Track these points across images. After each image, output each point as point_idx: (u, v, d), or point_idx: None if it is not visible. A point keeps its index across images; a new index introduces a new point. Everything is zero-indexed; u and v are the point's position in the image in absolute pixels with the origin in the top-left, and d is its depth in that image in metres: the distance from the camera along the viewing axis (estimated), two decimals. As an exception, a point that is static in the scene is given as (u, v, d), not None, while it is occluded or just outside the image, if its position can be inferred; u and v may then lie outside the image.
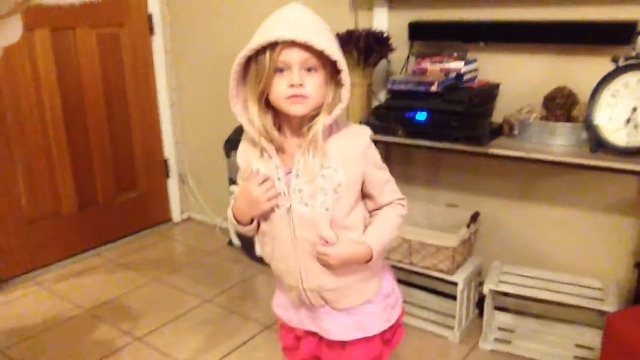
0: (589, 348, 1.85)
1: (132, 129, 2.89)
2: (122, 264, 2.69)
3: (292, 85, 1.03)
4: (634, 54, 1.57)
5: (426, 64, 1.90)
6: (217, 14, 2.70)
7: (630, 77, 1.56)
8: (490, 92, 1.89)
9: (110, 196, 2.84)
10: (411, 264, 1.99)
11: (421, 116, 1.80)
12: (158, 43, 2.90)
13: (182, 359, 1.93)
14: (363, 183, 1.14)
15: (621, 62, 1.58)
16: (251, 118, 1.08)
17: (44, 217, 2.58)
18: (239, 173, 1.21)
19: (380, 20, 2.11)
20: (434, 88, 1.76)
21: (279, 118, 1.11)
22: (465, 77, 1.85)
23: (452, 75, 1.83)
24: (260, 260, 2.57)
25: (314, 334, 1.26)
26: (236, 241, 2.76)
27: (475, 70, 1.91)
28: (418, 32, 2.01)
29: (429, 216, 2.14)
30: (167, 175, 3.11)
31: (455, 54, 1.88)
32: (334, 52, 1.02)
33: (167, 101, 2.99)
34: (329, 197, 1.09)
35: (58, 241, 2.65)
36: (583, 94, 1.70)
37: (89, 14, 2.53)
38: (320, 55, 1.02)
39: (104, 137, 2.75)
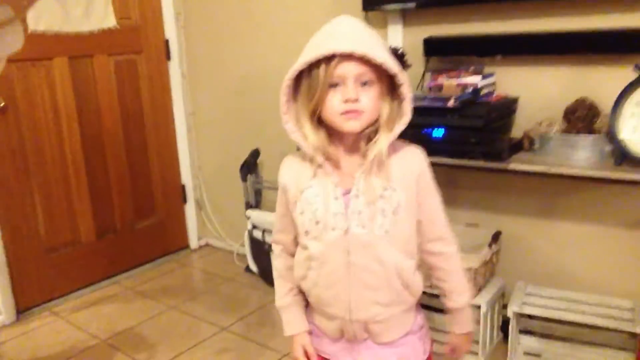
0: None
1: (149, 155, 2.90)
2: (140, 291, 2.66)
3: (347, 101, 0.98)
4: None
5: (442, 80, 1.87)
6: (232, 38, 2.72)
7: (656, 86, 1.50)
8: (508, 106, 1.84)
9: (128, 223, 2.84)
10: (431, 286, 1.92)
11: (438, 133, 1.76)
12: (174, 68, 2.92)
13: (198, 388, 1.88)
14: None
15: (644, 71, 1.53)
16: (305, 134, 1.04)
17: (62, 246, 2.58)
18: (284, 195, 1.13)
19: (395, 37, 2.10)
20: (450, 103, 1.72)
21: (332, 136, 1.06)
22: (483, 92, 1.81)
23: (469, 90, 1.80)
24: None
25: None
26: (254, 267, 2.72)
27: (493, 84, 1.88)
28: (433, 47, 1.98)
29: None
30: (184, 201, 3.10)
31: (471, 69, 1.85)
32: (393, 65, 0.98)
33: (184, 126, 3.00)
34: (387, 220, 1.04)
35: (76, 270, 2.64)
36: (605, 105, 1.65)
37: (107, 41, 2.57)
38: (376, 69, 0.98)
39: (121, 163, 2.77)
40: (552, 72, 1.82)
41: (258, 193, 2.59)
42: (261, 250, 2.56)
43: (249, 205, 2.58)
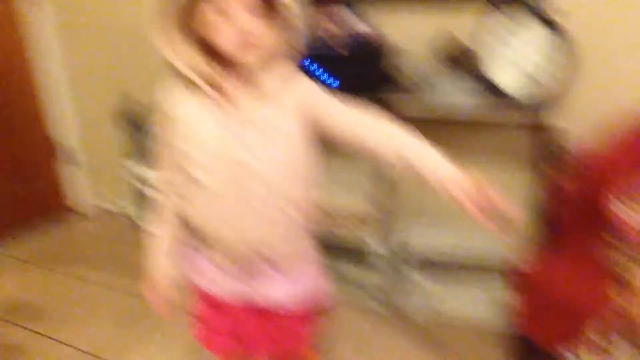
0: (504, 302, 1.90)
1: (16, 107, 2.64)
2: (23, 260, 2.50)
3: (240, 32, 0.96)
4: None
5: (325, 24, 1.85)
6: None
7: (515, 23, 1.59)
8: (376, 40, 1.84)
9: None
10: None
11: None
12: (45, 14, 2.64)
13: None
14: (321, 127, 1.07)
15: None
16: (192, 63, 1.00)
17: None
18: (172, 127, 1.06)
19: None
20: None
21: (226, 70, 1.02)
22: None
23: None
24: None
25: (248, 309, 1.21)
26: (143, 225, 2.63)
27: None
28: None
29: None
30: (66, 162, 2.90)
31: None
32: None
33: (53, 77, 2.75)
34: (281, 151, 1.04)
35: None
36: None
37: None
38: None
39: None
40: (423, 16, 1.87)
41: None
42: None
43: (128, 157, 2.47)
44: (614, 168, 1.42)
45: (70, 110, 2.85)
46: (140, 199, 2.52)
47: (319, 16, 1.89)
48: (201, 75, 1.00)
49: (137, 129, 2.44)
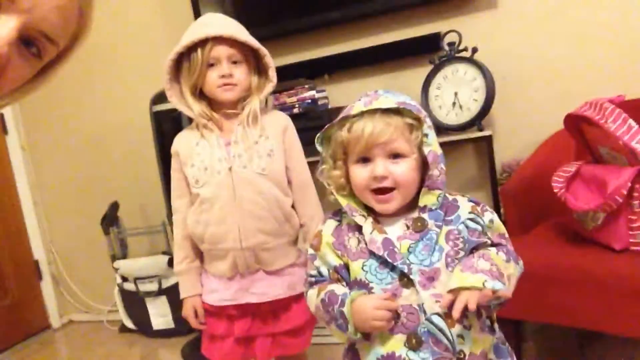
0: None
1: (-6, 233, 2.71)
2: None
3: (223, 76, 1.24)
4: (444, 53, 1.96)
5: (284, 98, 2.14)
6: (71, 101, 2.74)
7: (446, 71, 1.94)
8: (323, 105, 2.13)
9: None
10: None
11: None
12: (13, 142, 2.83)
13: None
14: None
15: (437, 62, 1.96)
16: (189, 106, 1.28)
17: None
18: (177, 160, 1.34)
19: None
20: (296, 110, 2.00)
21: (213, 105, 1.30)
22: (320, 102, 2.11)
23: (308, 101, 2.09)
24: (161, 335, 2.49)
25: (246, 314, 1.32)
26: (129, 323, 2.62)
27: (326, 98, 2.20)
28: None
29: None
30: (39, 278, 2.90)
31: (307, 87, 2.15)
32: (255, 42, 1.27)
33: (29, 200, 2.87)
34: (263, 161, 1.27)
35: None
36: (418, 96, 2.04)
37: None
38: (242, 51, 1.26)
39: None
40: (372, 81, 2.20)
41: (123, 244, 2.57)
42: (136, 301, 2.51)
43: (114, 259, 2.54)
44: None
45: (48, 230, 2.94)
46: (127, 299, 2.55)
47: (279, 90, 2.20)
48: (201, 114, 1.29)
49: (121, 230, 2.55)
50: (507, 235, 0.95)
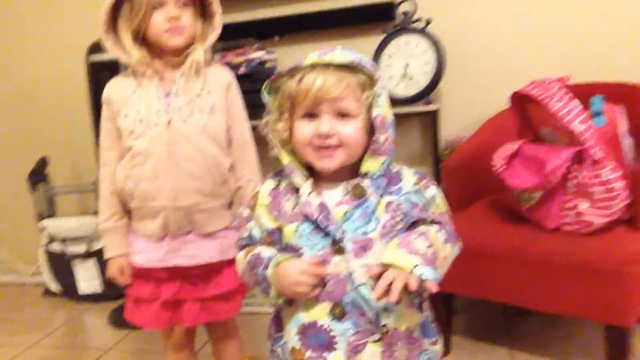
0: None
1: None
2: None
3: (170, 19, 1.15)
4: (398, 23, 1.92)
5: (231, 57, 2.05)
6: (2, 50, 2.55)
7: (398, 41, 1.90)
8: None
9: None
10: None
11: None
12: None
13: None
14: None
15: (390, 31, 1.92)
16: (128, 50, 1.18)
17: None
18: (109, 109, 1.23)
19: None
20: (242, 70, 1.91)
21: (152, 52, 1.21)
22: (267, 65, 2.03)
23: (256, 63, 2.01)
24: (89, 299, 2.38)
25: (175, 277, 1.26)
26: (55, 287, 2.49)
27: (275, 60, 2.11)
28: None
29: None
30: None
31: (255, 46, 2.07)
32: None
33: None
34: (205, 116, 1.20)
35: None
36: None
37: None
38: None
39: None
40: (323, 45, 2.12)
41: (51, 202, 2.43)
42: (62, 264, 2.39)
43: (41, 218, 2.39)
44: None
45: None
46: (53, 261, 2.42)
47: (226, 48, 2.10)
48: (140, 61, 1.19)
49: (49, 186, 2.41)
50: (449, 213, 0.92)
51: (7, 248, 2.77)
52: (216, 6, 1.21)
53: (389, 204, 0.86)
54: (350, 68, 0.85)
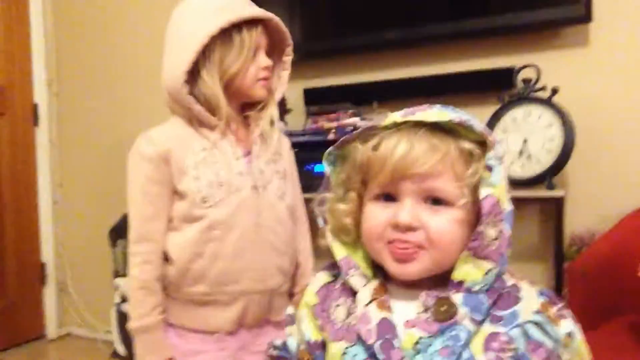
0: None
1: (4, 227, 2.54)
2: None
3: (265, 68, 1.00)
4: (517, 91, 1.63)
5: (322, 122, 1.87)
6: (107, 106, 2.59)
7: (516, 113, 1.60)
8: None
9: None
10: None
11: (320, 168, 1.73)
12: (42, 134, 2.68)
13: None
14: None
15: (507, 101, 1.63)
16: (215, 103, 0.99)
17: None
18: (162, 167, 1.00)
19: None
20: (331, 136, 1.71)
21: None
22: (362, 132, 1.82)
23: (349, 129, 1.80)
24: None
25: None
26: (121, 349, 2.36)
27: (372, 128, 1.91)
28: (313, 96, 2.01)
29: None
30: (43, 283, 2.70)
31: (350, 112, 1.87)
32: (284, 28, 1.04)
33: (49, 199, 2.71)
34: (282, 182, 1.04)
35: None
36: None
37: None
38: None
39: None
40: (426, 116, 1.89)
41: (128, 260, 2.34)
42: (131, 327, 2.25)
43: (117, 275, 2.30)
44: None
45: (62, 234, 2.75)
46: (123, 323, 2.29)
47: (318, 112, 1.92)
48: (229, 116, 1.01)
49: (125, 241, 2.32)
50: None
51: (88, 302, 2.72)
52: (290, 55, 1.06)
53: (492, 337, 0.56)
54: (449, 131, 0.59)
